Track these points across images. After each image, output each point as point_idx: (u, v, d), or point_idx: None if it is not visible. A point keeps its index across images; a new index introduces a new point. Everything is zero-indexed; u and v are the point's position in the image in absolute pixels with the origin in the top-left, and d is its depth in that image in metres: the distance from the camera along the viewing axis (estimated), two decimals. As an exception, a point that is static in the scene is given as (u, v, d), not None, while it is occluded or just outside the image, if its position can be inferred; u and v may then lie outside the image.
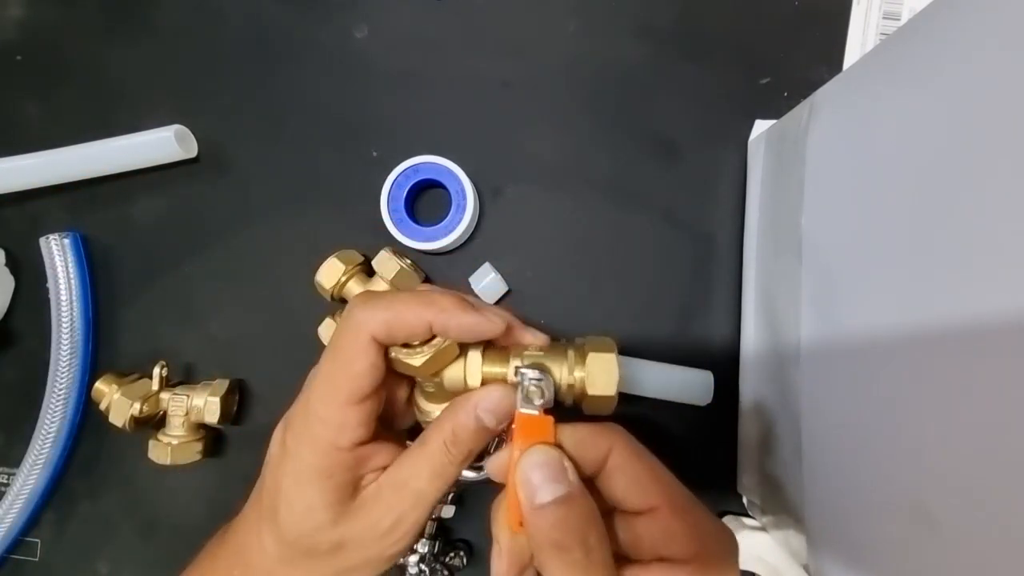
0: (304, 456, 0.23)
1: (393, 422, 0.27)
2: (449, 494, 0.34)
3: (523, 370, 0.22)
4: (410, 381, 0.26)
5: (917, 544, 0.19)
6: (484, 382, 0.23)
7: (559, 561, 0.19)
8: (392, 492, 0.23)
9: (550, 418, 0.22)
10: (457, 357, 0.23)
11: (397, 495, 0.23)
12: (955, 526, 0.17)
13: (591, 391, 0.23)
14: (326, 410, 0.22)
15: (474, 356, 0.23)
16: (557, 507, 0.20)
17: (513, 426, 0.22)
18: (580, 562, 0.19)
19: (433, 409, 0.25)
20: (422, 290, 0.23)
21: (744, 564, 0.32)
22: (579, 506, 0.20)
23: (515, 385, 0.22)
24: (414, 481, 0.23)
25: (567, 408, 0.24)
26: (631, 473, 0.22)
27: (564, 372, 0.23)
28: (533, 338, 0.25)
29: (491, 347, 0.24)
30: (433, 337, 0.23)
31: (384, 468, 0.24)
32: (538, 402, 0.21)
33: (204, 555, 0.27)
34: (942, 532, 0.18)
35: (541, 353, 0.24)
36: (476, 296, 0.34)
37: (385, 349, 0.23)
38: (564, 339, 0.25)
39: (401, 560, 0.33)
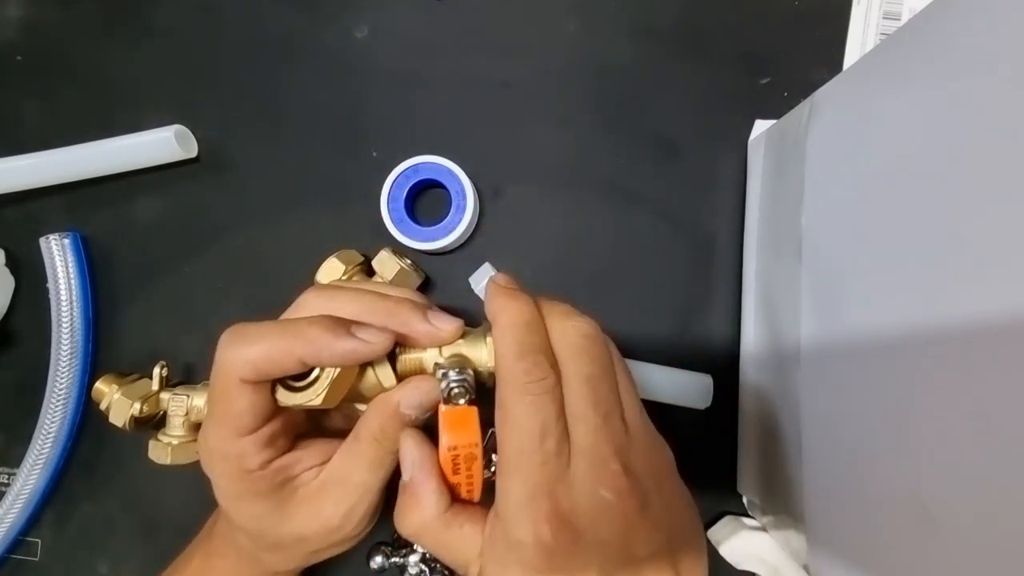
0: (222, 483, 0.23)
1: (322, 426, 0.27)
2: None
3: (445, 371, 0.22)
4: None
5: (917, 544, 0.19)
6: (402, 377, 0.23)
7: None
8: (336, 487, 0.24)
9: (474, 409, 0.22)
10: (362, 371, 0.23)
11: (342, 490, 0.24)
12: (955, 526, 0.17)
13: None
14: (221, 445, 0.22)
15: (382, 366, 0.23)
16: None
17: (439, 419, 0.22)
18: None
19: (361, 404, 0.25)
20: (291, 319, 0.22)
21: (744, 564, 0.32)
22: None
23: (436, 377, 0.22)
24: (355, 475, 0.24)
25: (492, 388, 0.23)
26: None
27: (484, 357, 0.23)
28: (434, 329, 0.23)
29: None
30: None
31: (322, 463, 0.24)
32: (462, 401, 0.22)
33: (200, 540, 0.29)
34: (942, 532, 0.18)
35: (461, 342, 0.23)
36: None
37: (271, 383, 0.22)
38: (476, 325, 0.25)
39: (401, 560, 0.33)
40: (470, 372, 0.22)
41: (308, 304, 0.23)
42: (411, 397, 0.22)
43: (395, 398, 0.23)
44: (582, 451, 0.20)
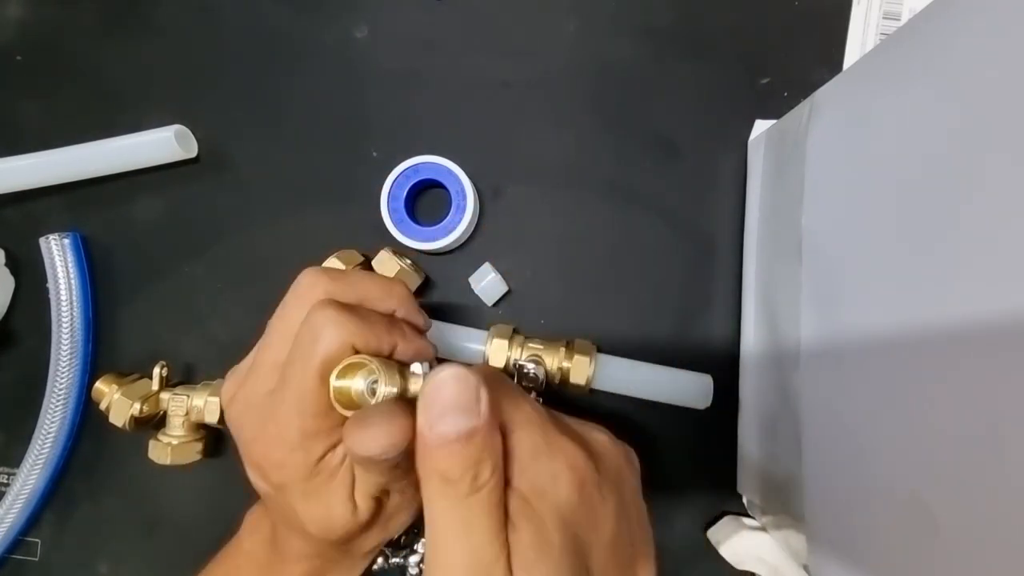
0: (293, 482, 0.21)
1: None
2: None
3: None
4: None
5: (917, 544, 0.19)
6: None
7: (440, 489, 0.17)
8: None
9: None
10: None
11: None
12: (955, 526, 0.17)
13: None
14: (293, 435, 0.21)
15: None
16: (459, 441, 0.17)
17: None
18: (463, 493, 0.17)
19: None
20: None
21: (744, 564, 0.32)
22: (481, 439, 0.17)
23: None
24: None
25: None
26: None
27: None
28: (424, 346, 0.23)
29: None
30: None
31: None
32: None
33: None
34: (942, 532, 0.18)
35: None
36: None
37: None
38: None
39: (401, 561, 0.33)
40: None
41: (312, 286, 0.23)
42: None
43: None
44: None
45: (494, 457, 0.17)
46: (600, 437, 0.21)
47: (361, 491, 0.22)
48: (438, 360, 0.23)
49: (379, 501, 0.22)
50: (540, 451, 0.19)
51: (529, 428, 0.19)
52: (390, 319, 0.23)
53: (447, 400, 0.17)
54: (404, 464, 0.19)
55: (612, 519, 0.20)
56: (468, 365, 0.18)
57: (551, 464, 0.19)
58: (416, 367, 0.21)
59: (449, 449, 0.16)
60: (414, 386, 0.20)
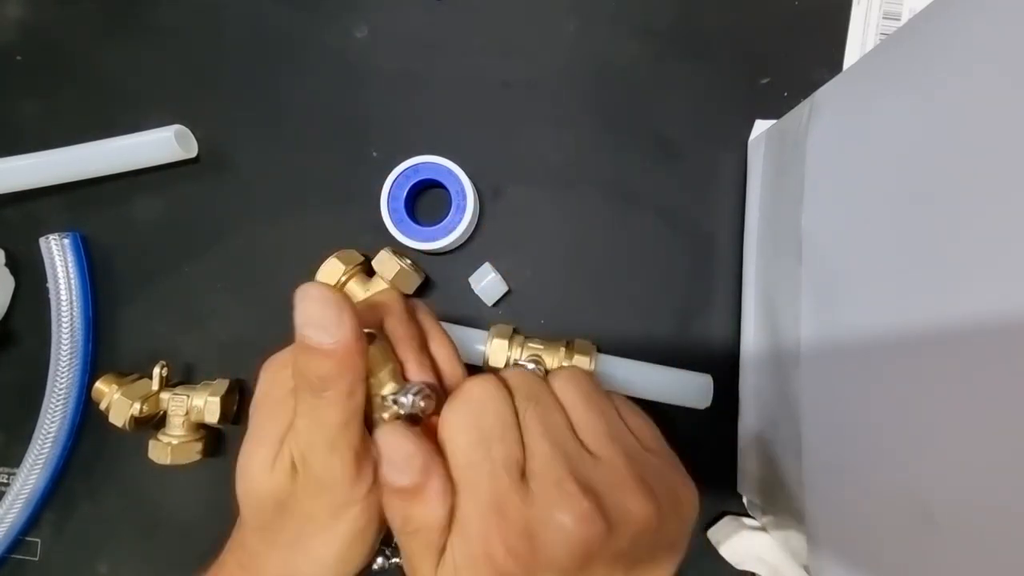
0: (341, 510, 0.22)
1: None
2: None
3: (404, 393, 0.21)
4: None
5: (917, 544, 0.19)
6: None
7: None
8: None
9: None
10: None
11: None
12: (955, 526, 0.17)
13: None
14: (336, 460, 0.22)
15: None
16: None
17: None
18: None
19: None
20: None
21: (744, 564, 0.32)
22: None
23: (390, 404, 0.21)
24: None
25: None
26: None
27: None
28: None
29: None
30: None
31: None
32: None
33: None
34: (942, 532, 0.18)
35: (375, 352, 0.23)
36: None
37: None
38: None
39: (400, 561, 0.33)
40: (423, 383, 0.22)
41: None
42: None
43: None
44: (540, 468, 0.19)
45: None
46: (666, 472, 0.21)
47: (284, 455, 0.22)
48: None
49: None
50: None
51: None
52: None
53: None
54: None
55: None
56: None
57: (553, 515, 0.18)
58: None
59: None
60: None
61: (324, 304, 0.19)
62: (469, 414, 0.20)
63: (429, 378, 0.22)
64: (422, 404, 0.20)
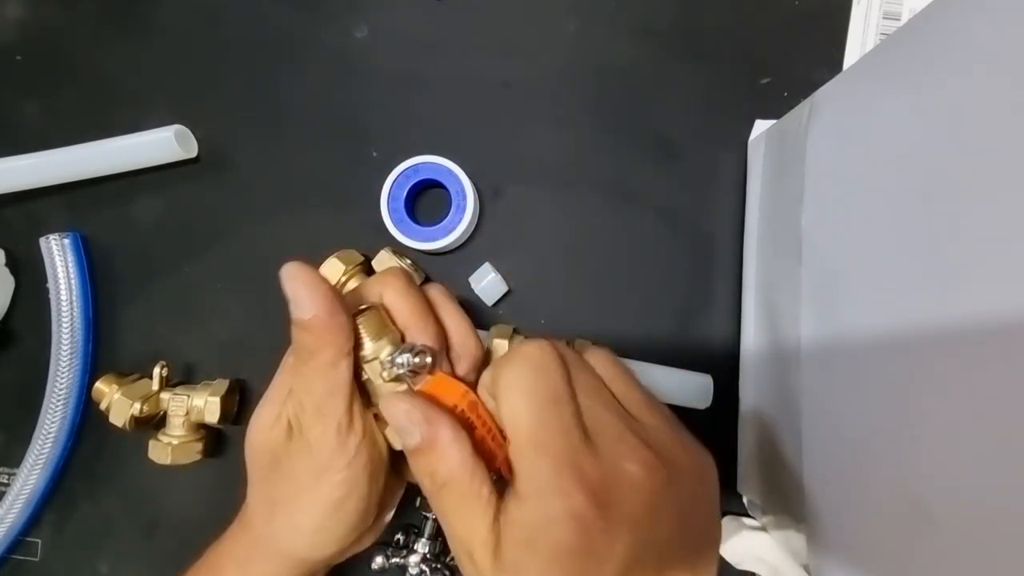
0: (360, 455, 0.24)
1: None
2: None
3: (400, 353, 0.23)
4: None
5: (917, 544, 0.19)
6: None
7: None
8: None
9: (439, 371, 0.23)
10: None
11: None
12: (955, 526, 0.17)
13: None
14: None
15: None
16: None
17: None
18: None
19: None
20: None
21: (744, 564, 0.32)
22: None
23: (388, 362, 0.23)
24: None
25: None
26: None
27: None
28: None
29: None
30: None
31: None
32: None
33: (228, 546, 0.28)
34: (942, 532, 0.18)
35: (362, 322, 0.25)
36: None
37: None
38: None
39: (401, 560, 0.33)
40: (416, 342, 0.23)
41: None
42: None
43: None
44: (599, 427, 0.20)
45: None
46: (672, 446, 0.21)
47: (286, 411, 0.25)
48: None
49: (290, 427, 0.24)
50: (545, 485, 0.19)
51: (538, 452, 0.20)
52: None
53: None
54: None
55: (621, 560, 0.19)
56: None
57: (550, 503, 0.19)
58: None
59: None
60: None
61: (297, 283, 0.22)
62: (532, 375, 0.20)
63: (429, 341, 0.24)
64: (415, 360, 0.22)
